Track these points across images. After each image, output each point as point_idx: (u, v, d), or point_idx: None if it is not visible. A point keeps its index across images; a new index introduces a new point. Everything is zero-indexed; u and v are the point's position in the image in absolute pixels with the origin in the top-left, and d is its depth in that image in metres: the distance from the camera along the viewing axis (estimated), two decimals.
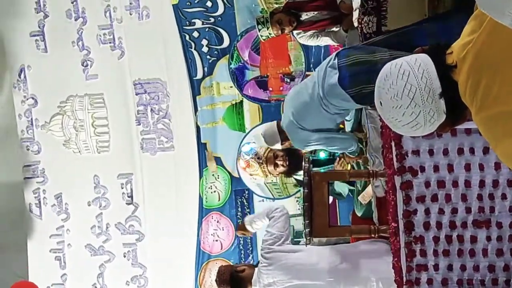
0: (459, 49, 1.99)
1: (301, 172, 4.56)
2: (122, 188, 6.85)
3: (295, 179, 5.83)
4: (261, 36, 5.39)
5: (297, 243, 5.80)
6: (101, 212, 6.88)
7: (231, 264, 6.15)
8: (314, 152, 5.48)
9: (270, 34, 5.33)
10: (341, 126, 4.82)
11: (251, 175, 6.01)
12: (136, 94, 6.79)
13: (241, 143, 6.62)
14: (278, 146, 4.93)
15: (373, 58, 4.04)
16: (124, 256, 6.82)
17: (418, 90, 1.97)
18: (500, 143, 1.92)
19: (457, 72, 1.98)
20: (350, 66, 4.15)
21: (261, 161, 5.55)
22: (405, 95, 2.00)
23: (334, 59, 4.28)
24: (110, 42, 6.79)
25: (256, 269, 4.63)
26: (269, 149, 5.56)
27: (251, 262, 6.42)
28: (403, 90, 2.00)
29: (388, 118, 2.08)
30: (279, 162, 5.48)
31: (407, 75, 2.00)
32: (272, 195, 6.64)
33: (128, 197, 6.84)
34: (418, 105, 1.99)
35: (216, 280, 4.80)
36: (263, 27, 5.30)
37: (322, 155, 5.52)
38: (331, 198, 5.11)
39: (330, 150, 5.14)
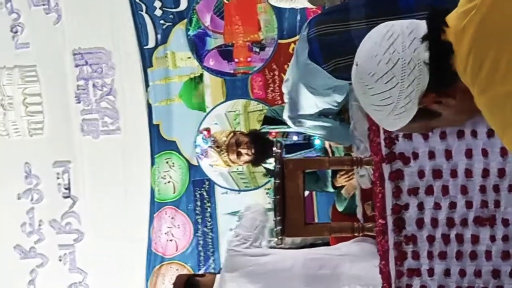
0: (458, 19, 1.97)
1: (271, 160, 4.53)
2: (58, 178, 6.83)
3: (265, 168, 5.79)
4: None
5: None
6: (32, 207, 6.86)
7: (187, 273, 6.14)
8: (286, 135, 5.46)
9: None
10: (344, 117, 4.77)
11: (211, 165, 5.96)
12: (76, 66, 6.77)
13: (200, 124, 6.61)
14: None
15: (347, 27, 4.03)
16: (60, 260, 6.80)
17: (400, 60, 1.99)
18: (509, 129, 1.89)
19: (455, 46, 1.95)
20: (320, 36, 4.15)
21: (221, 149, 5.47)
22: (385, 62, 2.02)
23: (305, 29, 4.29)
24: (44, 4, 6.76)
25: (218, 275, 4.63)
26: (231, 134, 5.51)
27: (212, 267, 6.44)
28: (384, 53, 2.02)
29: (358, 83, 2.09)
30: (243, 151, 5.42)
31: (390, 39, 2.02)
32: (238, 186, 6.66)
33: (65, 189, 6.82)
34: (395, 78, 2.00)
35: None
36: None
37: (296, 139, 5.49)
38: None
39: (321, 138, 5.13)
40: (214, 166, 5.84)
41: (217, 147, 5.46)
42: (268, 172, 5.79)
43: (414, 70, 1.99)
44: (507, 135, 1.91)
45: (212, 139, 5.51)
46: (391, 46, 2.01)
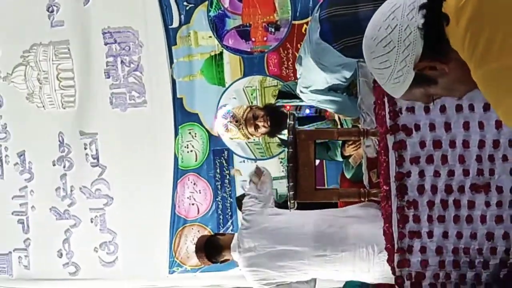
0: None
1: (285, 131, 4.54)
2: (86, 148, 6.82)
3: (279, 138, 5.79)
4: None
5: (281, 207, 5.83)
6: (65, 173, 6.87)
7: (208, 234, 6.16)
8: (299, 108, 5.46)
9: None
10: (353, 92, 4.76)
11: (231, 139, 5.97)
12: (105, 44, 6.73)
13: (220, 98, 6.59)
14: None
15: (355, 9, 4.04)
16: (91, 221, 6.82)
17: (398, 26, 2.02)
18: (503, 101, 1.89)
19: (454, 23, 1.95)
20: (331, 18, 4.16)
21: (239, 123, 5.47)
22: (384, 28, 2.06)
23: (317, 11, 4.31)
24: None
25: (236, 233, 4.65)
26: (248, 109, 5.51)
27: (230, 229, 6.45)
28: (385, 20, 2.06)
29: (364, 47, 2.14)
30: (260, 123, 5.41)
31: (392, 7, 2.06)
32: (254, 155, 6.64)
33: (94, 158, 6.81)
34: (391, 43, 2.04)
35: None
36: None
37: (308, 112, 5.49)
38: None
39: (331, 111, 5.13)
40: (234, 139, 5.86)
41: (236, 121, 5.45)
42: (282, 143, 5.79)
43: (410, 36, 2.01)
44: (501, 106, 1.91)
45: (231, 114, 5.51)
46: (392, 13, 2.04)
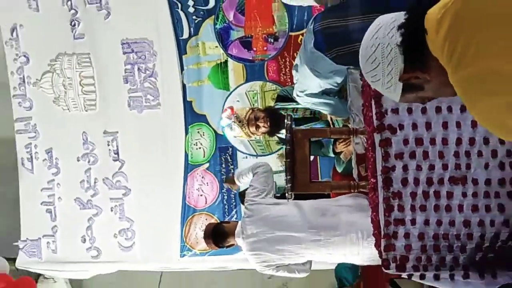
0: (438, 9, 1.96)
1: (284, 131, 4.52)
2: (109, 145, 6.78)
3: (278, 137, 5.78)
4: None
5: (280, 198, 5.82)
6: (89, 168, 6.83)
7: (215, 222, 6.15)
8: (296, 110, 5.45)
9: None
10: (343, 95, 4.73)
11: (234, 137, 5.98)
12: (123, 53, 6.69)
13: (225, 101, 6.57)
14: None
15: (346, 22, 4.02)
16: (111, 210, 6.78)
17: (381, 44, 2.05)
18: (476, 103, 1.89)
19: (434, 33, 1.95)
20: (324, 30, 4.14)
21: (242, 123, 5.49)
22: (370, 47, 2.10)
23: (311, 23, 4.29)
24: (97, 3, 6.67)
25: (240, 221, 4.64)
26: (250, 111, 5.52)
27: (235, 217, 6.44)
28: (370, 40, 2.10)
29: (360, 63, 2.18)
30: (261, 124, 5.43)
31: (377, 27, 2.10)
32: (256, 152, 6.62)
33: (115, 153, 6.78)
34: (377, 59, 2.07)
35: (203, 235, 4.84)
36: None
37: (303, 113, 5.49)
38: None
39: (324, 112, 5.11)
40: (237, 137, 5.86)
41: (239, 121, 5.48)
42: (281, 141, 5.78)
43: (391, 52, 2.03)
44: (475, 108, 1.91)
45: (235, 115, 5.52)
46: (376, 33, 2.08)
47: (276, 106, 5.62)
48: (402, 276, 3.88)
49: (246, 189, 4.91)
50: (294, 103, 5.24)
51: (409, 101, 2.17)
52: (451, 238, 3.68)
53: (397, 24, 2.04)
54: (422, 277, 3.77)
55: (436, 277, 3.74)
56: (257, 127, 5.44)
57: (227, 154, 6.64)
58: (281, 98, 5.64)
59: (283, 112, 5.39)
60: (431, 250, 3.71)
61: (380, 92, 2.17)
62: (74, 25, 6.72)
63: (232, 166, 6.62)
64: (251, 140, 6.43)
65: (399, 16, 2.06)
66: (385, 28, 2.06)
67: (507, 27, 1.79)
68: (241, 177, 4.99)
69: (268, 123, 5.42)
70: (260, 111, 5.57)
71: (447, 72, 1.94)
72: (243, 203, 4.71)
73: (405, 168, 3.67)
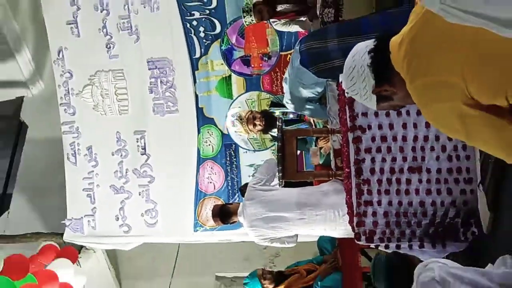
0: (398, 36, 2.00)
1: (275, 130, 4.50)
2: (137, 142, 6.76)
3: (271, 135, 5.78)
4: (245, 22, 5.26)
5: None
6: (122, 160, 6.80)
7: (221, 203, 6.14)
8: (285, 114, 5.45)
9: (252, 21, 5.21)
10: (323, 102, 4.72)
11: (235, 132, 5.98)
12: (149, 69, 6.67)
13: (229, 107, 6.56)
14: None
15: (325, 44, 4.00)
16: (139, 194, 6.76)
17: (356, 66, 2.07)
18: (427, 107, 1.92)
19: (396, 53, 1.97)
20: (308, 50, 4.13)
21: (243, 121, 5.50)
22: (348, 68, 2.11)
23: (297, 45, 4.28)
24: (128, 29, 6.66)
25: (242, 203, 4.62)
26: (249, 112, 5.52)
27: (237, 200, 6.41)
28: (348, 62, 2.12)
29: (343, 82, 2.19)
30: (257, 122, 5.43)
31: (354, 52, 2.11)
32: (253, 147, 6.61)
33: (142, 149, 6.76)
34: (354, 77, 2.09)
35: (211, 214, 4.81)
36: (247, 15, 5.17)
37: (292, 116, 5.51)
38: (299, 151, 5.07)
39: (308, 115, 5.10)
40: (238, 133, 5.87)
41: (240, 119, 5.50)
42: (273, 138, 5.77)
43: (364, 72, 2.05)
44: (426, 111, 1.95)
45: (238, 114, 5.56)
46: (353, 57, 2.10)
47: (270, 110, 5.63)
48: (371, 246, 3.87)
49: (246, 184, 4.88)
50: (284, 108, 5.23)
51: (384, 109, 2.18)
52: (410, 216, 3.66)
53: (367, 49, 2.05)
54: (387, 247, 3.76)
55: (398, 247, 3.73)
56: (254, 125, 5.43)
57: (231, 150, 6.62)
58: (274, 104, 5.69)
59: (275, 115, 5.39)
60: (394, 225, 3.69)
61: (361, 102, 2.18)
62: (109, 47, 6.70)
63: (235, 159, 6.62)
64: (249, 138, 6.42)
65: (371, 43, 2.08)
66: (360, 53, 2.07)
67: (449, 51, 1.82)
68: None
69: (263, 122, 5.42)
70: (257, 112, 5.59)
71: (406, 82, 1.95)
72: (243, 196, 4.68)
73: (372, 160, 3.65)
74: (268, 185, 4.57)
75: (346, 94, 3.60)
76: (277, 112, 5.52)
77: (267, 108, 5.83)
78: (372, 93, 2.07)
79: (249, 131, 5.53)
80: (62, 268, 5.64)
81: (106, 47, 6.71)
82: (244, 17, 5.20)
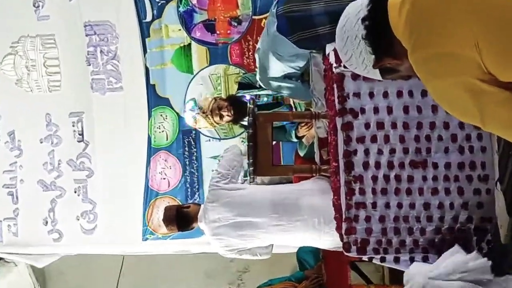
0: None
1: (247, 118, 4.49)
2: (73, 126, 6.70)
3: (242, 124, 5.76)
4: None
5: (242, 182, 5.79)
6: (53, 149, 6.73)
7: (176, 204, 6.12)
8: (258, 97, 5.43)
9: None
10: (306, 79, 4.70)
11: (200, 128, 5.96)
12: (86, 36, 6.60)
13: (188, 84, 6.53)
14: None
15: (308, 7, 4.01)
16: (75, 192, 6.70)
17: (349, 37, 2.09)
18: (431, 82, 1.95)
19: (397, 17, 1.99)
20: (286, 13, 4.12)
21: (206, 114, 5.46)
22: (340, 40, 2.14)
23: (274, 7, 4.28)
24: None
25: (202, 205, 4.61)
26: (213, 101, 5.48)
27: (197, 200, 6.41)
28: (339, 32, 2.15)
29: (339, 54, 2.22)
30: (224, 113, 5.40)
31: (345, 20, 2.13)
32: (219, 135, 6.59)
33: (79, 135, 6.71)
34: (349, 51, 2.12)
35: (163, 220, 4.76)
36: None
37: (266, 100, 5.49)
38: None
39: (286, 96, 5.09)
40: (203, 128, 5.84)
41: (203, 112, 5.47)
42: (245, 128, 5.75)
43: (360, 44, 2.07)
44: (429, 87, 1.98)
45: (198, 107, 5.51)
46: (344, 26, 2.11)
47: (238, 94, 5.60)
48: (363, 258, 3.90)
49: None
50: (256, 90, 5.23)
51: (393, 79, 2.23)
52: (411, 221, 3.69)
53: (361, 16, 2.06)
54: (383, 259, 3.79)
55: (396, 260, 3.77)
56: (221, 116, 5.41)
57: (190, 137, 6.59)
58: (243, 86, 5.60)
59: (245, 100, 5.37)
60: (392, 233, 3.72)
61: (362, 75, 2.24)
62: (38, 6, 6.62)
63: (195, 149, 6.59)
64: None
65: (364, 6, 2.07)
66: (351, 20, 2.08)
67: (461, 12, 1.82)
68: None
69: (232, 112, 5.39)
70: (223, 100, 5.54)
71: (408, 51, 1.98)
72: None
73: (366, 152, 3.66)
74: (234, 182, 4.56)
75: (334, 69, 3.60)
76: (247, 96, 5.49)
77: (235, 91, 5.80)
78: (373, 68, 2.10)
79: (216, 124, 5.53)
80: None
81: (34, 6, 6.62)
82: None
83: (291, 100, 5.25)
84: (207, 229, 4.49)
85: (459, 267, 3.28)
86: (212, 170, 6.15)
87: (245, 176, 5.28)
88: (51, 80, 6.73)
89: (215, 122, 5.47)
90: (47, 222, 6.68)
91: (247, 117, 4.95)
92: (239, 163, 4.61)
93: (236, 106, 5.38)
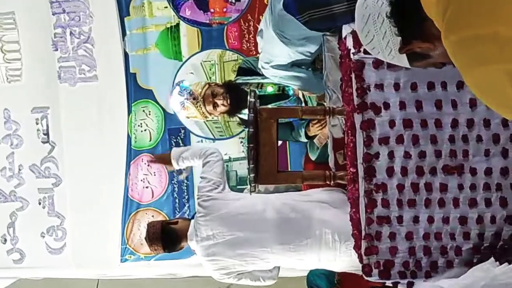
0: None
1: (246, 110, 4.50)
2: (37, 124, 6.75)
3: (240, 118, 5.74)
4: None
5: (241, 191, 5.79)
6: (12, 152, 6.78)
7: (162, 218, 6.13)
8: (261, 86, 5.42)
9: None
10: (318, 67, 4.73)
11: (187, 117, 5.93)
12: (53, 14, 6.64)
13: (176, 73, 6.54)
14: None
15: None
16: (39, 203, 6.75)
17: (371, 15, 2.12)
18: (469, 71, 1.93)
19: None
20: None
21: (197, 101, 5.40)
22: (361, 18, 2.17)
23: None
24: None
25: (193, 221, 4.62)
26: (206, 86, 5.44)
27: (187, 213, 6.42)
28: (360, 10, 2.17)
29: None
30: (219, 101, 5.35)
31: None
32: (213, 135, 6.62)
33: (44, 134, 6.75)
34: (370, 32, 2.15)
35: (145, 238, 4.76)
36: None
37: (270, 90, 5.44)
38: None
39: (295, 87, 5.10)
40: (191, 118, 5.81)
41: (194, 99, 5.38)
42: (243, 122, 5.75)
43: (384, 24, 2.09)
44: (468, 77, 1.95)
45: (189, 91, 5.45)
46: (365, 2, 2.13)
47: (238, 81, 5.58)
48: (387, 284, 3.90)
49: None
50: (259, 77, 5.22)
51: (424, 67, 2.23)
52: (445, 238, 3.70)
53: None
54: (410, 285, 3.79)
55: None
56: (215, 105, 5.36)
57: (179, 138, 6.62)
58: (243, 71, 5.59)
59: (245, 88, 5.36)
60: (421, 253, 3.73)
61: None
62: None
63: None
64: (207, 120, 6.39)
65: None
66: None
67: None
68: (181, 160, 4.94)
69: (228, 101, 5.36)
70: (219, 86, 5.50)
71: (441, 33, 1.97)
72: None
73: (390, 155, 3.67)
74: (230, 190, 4.58)
75: (352, 56, 3.63)
76: (251, 81, 5.49)
77: (233, 78, 5.81)
78: (399, 53, 2.12)
79: (208, 115, 5.48)
80: None
81: None
82: None
83: (300, 92, 5.26)
84: (199, 248, 4.51)
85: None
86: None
87: (238, 184, 5.31)
88: (9, 69, 6.77)
89: (207, 111, 5.38)
90: (5, 240, 6.73)
91: (244, 109, 4.98)
92: (224, 169, 4.63)
93: (233, 94, 5.36)
